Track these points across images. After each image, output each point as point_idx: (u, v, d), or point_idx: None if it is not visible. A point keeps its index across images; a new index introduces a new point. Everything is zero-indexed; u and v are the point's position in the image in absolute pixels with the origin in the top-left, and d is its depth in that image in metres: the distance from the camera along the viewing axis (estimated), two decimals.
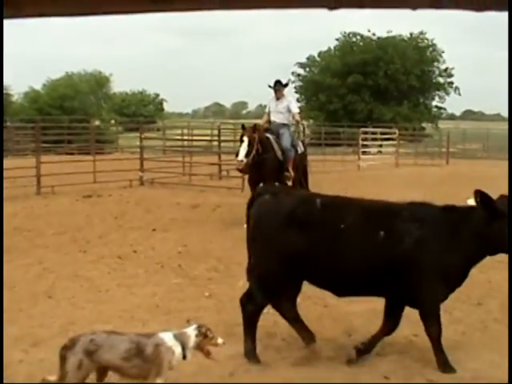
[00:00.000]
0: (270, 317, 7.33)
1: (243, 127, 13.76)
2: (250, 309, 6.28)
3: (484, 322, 7.44)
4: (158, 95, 66.22)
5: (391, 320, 6.36)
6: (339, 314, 7.52)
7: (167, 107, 72.09)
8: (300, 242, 5.96)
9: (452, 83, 55.05)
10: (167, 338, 5.14)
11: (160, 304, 7.96)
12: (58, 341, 5.57)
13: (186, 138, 30.23)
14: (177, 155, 25.90)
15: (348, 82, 50.41)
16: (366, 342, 6.29)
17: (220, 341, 5.28)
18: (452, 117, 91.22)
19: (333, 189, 18.78)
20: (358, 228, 6.04)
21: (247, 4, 0.83)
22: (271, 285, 6.28)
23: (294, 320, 6.47)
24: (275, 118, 14.15)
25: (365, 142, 34.06)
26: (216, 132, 27.09)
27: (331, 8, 0.80)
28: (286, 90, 14.48)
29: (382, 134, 37.06)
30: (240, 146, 13.15)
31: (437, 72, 55.21)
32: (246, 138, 12.95)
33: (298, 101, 57.20)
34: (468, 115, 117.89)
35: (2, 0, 0.68)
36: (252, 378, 5.80)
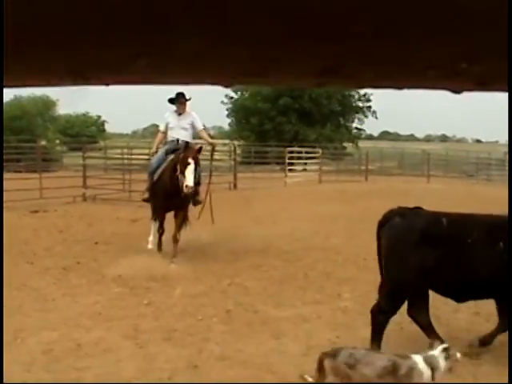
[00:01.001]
0: (204, 322, 7.40)
1: (186, 146, 11.11)
2: (381, 319, 6.48)
3: (400, 324, 7.59)
4: (99, 117, 65.72)
5: (504, 318, 6.68)
6: (268, 319, 7.60)
7: (108, 128, 71.56)
8: (431, 257, 6.32)
9: (370, 107, 56.12)
10: (419, 361, 5.14)
11: (102, 312, 7.92)
12: (8, 347, 5.51)
13: (125, 156, 30.05)
14: (117, 173, 25.73)
15: (279, 104, 50.82)
16: (485, 337, 6.75)
17: (458, 356, 5.31)
18: (370, 137, 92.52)
19: (262, 203, 19.00)
20: (481, 241, 6.36)
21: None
22: (404, 296, 6.55)
23: (428, 326, 6.65)
24: (178, 135, 11.64)
25: (291, 161, 34.47)
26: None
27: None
28: (188, 106, 12.01)
29: (306, 153, 37.60)
30: (185, 168, 10.53)
31: (356, 97, 56.17)
32: (192, 161, 10.62)
33: (229, 125, 57.63)
34: (385, 136, 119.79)
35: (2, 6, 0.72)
36: (189, 380, 5.83)
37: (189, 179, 10.47)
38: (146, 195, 11.80)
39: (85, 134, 57.08)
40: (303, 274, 9.96)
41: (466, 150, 52.51)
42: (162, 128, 12.00)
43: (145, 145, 42.14)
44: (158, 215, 11.38)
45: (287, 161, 33.23)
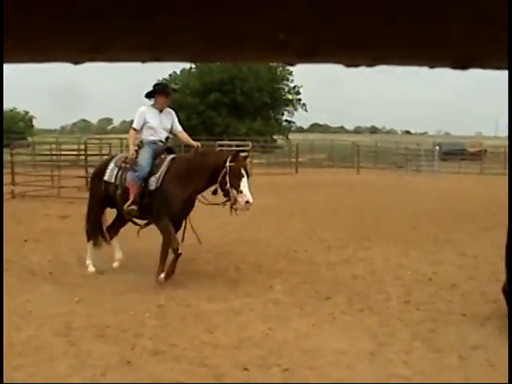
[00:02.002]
0: (136, 318, 7.40)
1: (237, 153, 9.23)
2: None
3: (332, 314, 7.74)
4: (27, 113, 64.54)
5: None
6: (200, 313, 7.64)
7: (37, 124, 70.32)
8: None
9: (300, 100, 56.73)
10: None
11: (33, 310, 7.81)
12: None
13: (54, 152, 29.65)
14: (46, 169, 25.32)
15: (209, 99, 50.87)
16: None
17: None
18: (301, 129, 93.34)
19: None
20: None
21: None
22: None
23: None
24: (160, 136, 9.72)
25: None
26: (83, 147, 26.97)
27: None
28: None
29: (236, 146, 37.59)
30: (240, 181, 8.71)
31: (286, 89, 56.66)
32: (245, 172, 8.86)
33: None
34: (315, 128, 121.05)
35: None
36: (123, 376, 5.84)
37: (248, 195, 8.76)
38: (134, 207, 9.27)
39: (13, 130, 55.95)
40: (235, 267, 10.02)
41: (396, 142, 53.46)
42: (136, 125, 9.68)
43: (74, 140, 41.66)
44: (169, 228, 9.12)
45: None
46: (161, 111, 9.73)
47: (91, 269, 9.71)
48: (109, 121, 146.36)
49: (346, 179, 29.38)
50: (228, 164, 8.78)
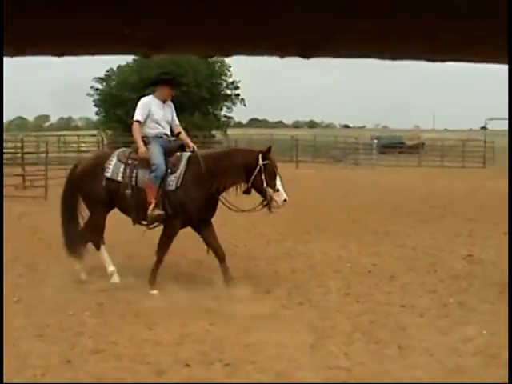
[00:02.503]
0: (76, 316, 7.33)
1: (269, 150, 8.88)
2: None
3: (273, 308, 7.78)
4: None
5: None
6: (141, 310, 7.59)
7: None
8: None
9: (238, 95, 56.76)
10: None
11: None
12: None
13: None
14: None
15: (146, 94, 50.52)
16: None
17: None
18: (239, 124, 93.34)
19: None
20: None
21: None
22: None
23: None
24: (164, 129, 9.14)
25: None
26: (19, 144, 26.45)
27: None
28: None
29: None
30: (274, 180, 8.57)
31: (224, 84, 56.60)
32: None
33: (96, 114, 56.66)
34: (254, 123, 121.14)
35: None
36: (63, 376, 5.77)
37: (284, 193, 8.56)
38: (161, 211, 8.62)
39: None
40: (175, 263, 9.99)
41: (334, 135, 53.90)
42: (140, 117, 8.95)
43: (10, 138, 40.82)
44: (173, 236, 8.86)
45: None
46: (164, 101, 9.21)
47: (116, 279, 8.86)
48: (46, 118, 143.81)
49: (285, 173, 29.35)
50: (261, 162, 8.53)
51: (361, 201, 18.76)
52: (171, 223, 8.69)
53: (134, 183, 8.73)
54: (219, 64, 55.23)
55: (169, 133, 9.15)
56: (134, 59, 53.55)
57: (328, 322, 7.21)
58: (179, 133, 9.31)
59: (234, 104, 57.21)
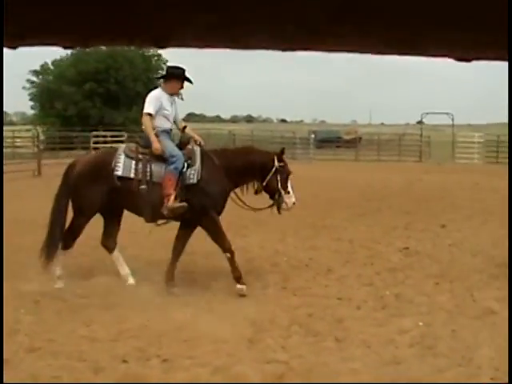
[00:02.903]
0: (11, 314, 7.17)
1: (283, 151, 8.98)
2: None
3: (211, 302, 7.75)
4: None
5: None
6: (77, 307, 7.48)
7: None
8: None
9: None
10: None
11: None
12: None
13: None
14: None
15: (84, 89, 49.85)
16: None
17: None
18: None
19: None
20: None
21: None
22: None
23: None
24: (171, 124, 9.01)
25: (96, 145, 34.21)
26: None
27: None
28: None
29: (112, 136, 37.42)
30: (287, 181, 8.83)
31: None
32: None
33: (32, 108, 55.64)
34: (191, 117, 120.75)
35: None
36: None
37: (293, 195, 8.83)
38: (183, 203, 8.42)
39: None
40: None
41: (271, 130, 54.13)
42: (152, 110, 8.68)
43: None
44: (220, 224, 8.68)
45: (92, 145, 33.06)
46: (172, 95, 8.96)
47: (131, 280, 8.59)
48: None
49: None
50: (277, 164, 8.67)
51: (298, 195, 18.80)
52: (208, 217, 8.56)
53: (148, 178, 8.48)
54: (156, 58, 54.88)
55: (172, 128, 9.04)
56: (71, 52, 52.76)
57: (266, 316, 7.24)
58: (185, 127, 9.23)
59: None
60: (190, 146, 8.79)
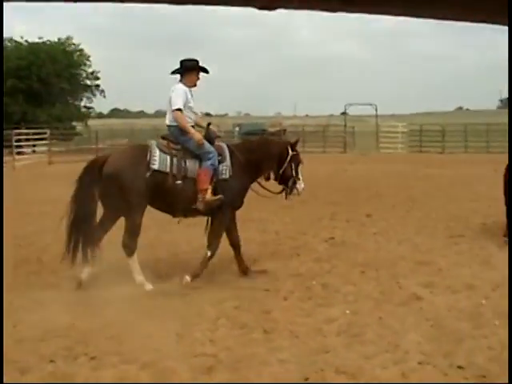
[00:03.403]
0: None
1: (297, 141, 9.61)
2: None
3: (137, 298, 7.66)
4: None
5: None
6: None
7: None
8: None
9: (98, 85, 55.65)
10: None
11: None
12: None
13: None
14: None
15: (6, 86, 48.71)
16: None
17: None
18: (101, 115, 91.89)
19: None
20: None
21: None
22: None
23: None
24: (192, 118, 8.99)
25: (19, 143, 33.53)
26: None
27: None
28: None
29: (34, 134, 36.76)
30: (298, 168, 9.28)
31: (84, 75, 55.33)
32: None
33: None
34: (115, 113, 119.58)
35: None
36: None
37: (303, 180, 9.26)
38: (216, 197, 8.62)
39: None
40: (36, 258, 9.73)
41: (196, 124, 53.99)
42: (182, 105, 8.61)
43: None
44: (226, 224, 9.02)
45: (14, 143, 32.36)
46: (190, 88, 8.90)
47: (149, 286, 8.26)
48: None
49: None
50: (291, 153, 9.13)
51: None
52: (224, 211, 8.81)
53: (183, 173, 8.52)
54: (78, 54, 54.03)
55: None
56: None
57: (193, 310, 7.23)
58: (209, 123, 9.23)
59: (93, 95, 56.12)
60: (218, 143, 9.00)
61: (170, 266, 9.21)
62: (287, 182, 9.18)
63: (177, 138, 8.68)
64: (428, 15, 0.91)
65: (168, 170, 8.43)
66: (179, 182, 8.45)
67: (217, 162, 8.65)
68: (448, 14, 0.92)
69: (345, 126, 46.65)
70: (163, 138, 8.84)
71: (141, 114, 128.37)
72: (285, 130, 52.64)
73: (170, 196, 8.46)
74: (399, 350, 6.03)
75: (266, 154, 9.10)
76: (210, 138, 8.88)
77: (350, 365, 5.69)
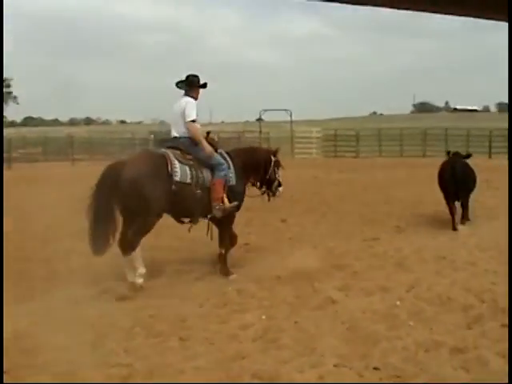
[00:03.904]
0: None
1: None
2: None
3: (50, 310, 7.50)
4: None
5: None
6: None
7: None
8: None
9: (11, 92, 54.60)
10: None
11: None
12: None
13: None
14: None
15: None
16: None
17: None
18: (13, 124, 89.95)
19: None
20: None
21: None
22: None
23: None
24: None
25: None
26: None
27: None
28: None
29: None
30: (278, 172, 10.49)
31: None
32: None
33: None
34: (29, 121, 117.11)
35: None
36: None
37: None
38: (232, 204, 9.48)
39: None
40: None
41: (110, 132, 53.66)
42: (196, 117, 9.33)
43: None
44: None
45: None
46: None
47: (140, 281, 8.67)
48: None
49: (60, 172, 28.93)
50: (273, 158, 10.32)
51: None
52: (232, 214, 9.74)
53: (201, 183, 9.15)
54: None
55: None
56: None
57: (107, 320, 7.14)
58: (209, 132, 9.97)
59: (5, 102, 54.98)
60: (219, 151, 9.64)
61: (83, 277, 9.02)
62: (271, 184, 10.30)
63: (187, 148, 9.21)
64: (431, 9, 0.91)
65: (189, 180, 9.00)
66: (199, 191, 9.10)
67: (227, 172, 9.41)
68: (443, 8, 0.92)
69: (260, 131, 46.90)
70: (172, 147, 9.23)
71: (55, 122, 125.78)
72: None
73: (189, 204, 9.10)
74: (315, 353, 6.11)
75: (256, 160, 10.15)
76: (212, 146, 9.45)
77: (266, 370, 5.72)
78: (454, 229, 12.44)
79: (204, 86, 9.58)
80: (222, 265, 9.45)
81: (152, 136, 44.81)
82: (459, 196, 12.93)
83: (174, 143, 9.29)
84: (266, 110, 51.87)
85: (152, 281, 8.82)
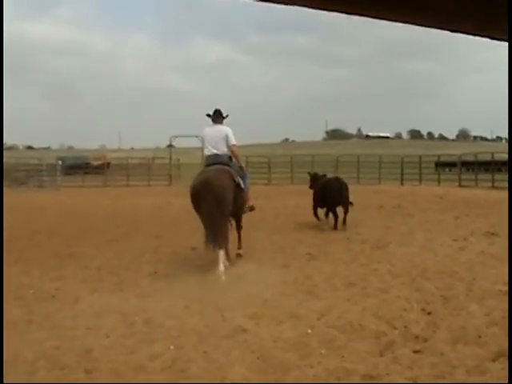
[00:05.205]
0: None
1: None
2: None
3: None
4: None
5: None
6: None
7: None
8: None
9: None
10: None
11: None
12: None
13: None
14: None
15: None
16: None
17: None
18: None
19: None
20: None
21: None
22: None
23: None
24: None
25: None
26: None
27: None
28: None
29: None
30: None
31: None
32: None
33: None
34: None
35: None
36: None
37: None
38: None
39: None
40: None
41: (17, 157, 52.66)
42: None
43: None
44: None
45: None
46: None
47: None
48: None
49: None
50: None
51: (43, 224, 18.47)
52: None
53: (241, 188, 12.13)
54: None
55: None
56: None
57: (8, 354, 6.90)
58: None
59: None
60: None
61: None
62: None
63: (227, 162, 11.98)
64: (429, 23, 0.95)
65: (243, 186, 12.08)
66: (241, 194, 12.15)
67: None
68: (446, 25, 0.97)
69: (170, 158, 46.83)
70: (219, 163, 11.74)
71: None
72: (109, 163, 52.22)
73: (239, 204, 12.15)
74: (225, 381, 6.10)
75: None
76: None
77: None
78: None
79: (226, 117, 12.29)
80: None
81: (60, 162, 44.15)
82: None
83: (217, 159, 11.77)
84: (176, 137, 51.84)
85: (56, 312, 8.67)
